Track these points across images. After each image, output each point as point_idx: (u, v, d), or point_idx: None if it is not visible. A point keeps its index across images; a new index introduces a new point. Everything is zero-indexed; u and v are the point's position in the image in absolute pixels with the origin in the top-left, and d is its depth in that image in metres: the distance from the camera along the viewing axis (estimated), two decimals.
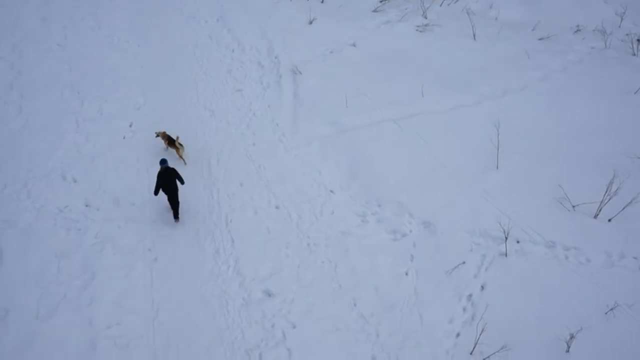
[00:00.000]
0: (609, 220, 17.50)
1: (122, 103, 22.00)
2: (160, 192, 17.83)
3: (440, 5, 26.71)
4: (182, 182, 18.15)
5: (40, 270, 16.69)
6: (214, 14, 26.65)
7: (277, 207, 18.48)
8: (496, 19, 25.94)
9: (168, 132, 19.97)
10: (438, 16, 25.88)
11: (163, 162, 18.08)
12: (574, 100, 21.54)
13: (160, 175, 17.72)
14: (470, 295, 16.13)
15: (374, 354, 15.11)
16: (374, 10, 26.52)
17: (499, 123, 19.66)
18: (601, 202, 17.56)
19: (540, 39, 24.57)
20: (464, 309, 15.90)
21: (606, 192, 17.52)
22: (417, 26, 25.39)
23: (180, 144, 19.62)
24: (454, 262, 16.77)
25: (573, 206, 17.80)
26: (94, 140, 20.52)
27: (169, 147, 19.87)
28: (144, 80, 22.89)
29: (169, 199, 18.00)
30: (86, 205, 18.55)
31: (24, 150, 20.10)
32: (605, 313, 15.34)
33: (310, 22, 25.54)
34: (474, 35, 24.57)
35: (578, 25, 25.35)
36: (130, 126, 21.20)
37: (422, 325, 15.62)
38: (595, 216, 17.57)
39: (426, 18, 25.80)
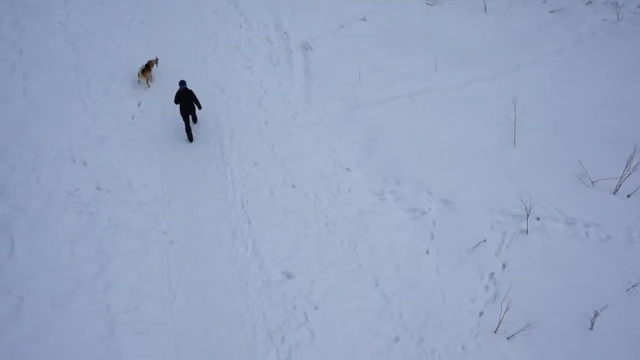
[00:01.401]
0: (628, 196, 17.18)
1: (129, 81, 21.50)
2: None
3: None
4: (200, 107, 19.18)
5: (54, 256, 16.35)
6: None
7: (293, 187, 18.16)
8: None
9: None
10: None
11: (182, 83, 19.07)
12: (588, 74, 21.06)
13: (179, 96, 18.77)
14: (492, 274, 15.88)
15: (397, 333, 14.89)
16: None
17: (515, 99, 19.21)
18: (620, 177, 17.24)
19: (551, 12, 24.03)
20: (486, 288, 15.67)
21: (626, 167, 17.18)
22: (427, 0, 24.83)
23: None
24: (474, 240, 16.47)
25: (592, 182, 17.47)
26: (102, 121, 20.08)
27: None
28: (151, 58, 22.14)
29: (185, 119, 19.02)
30: (97, 188, 18.18)
31: (31, 133, 19.67)
32: (627, 290, 15.09)
33: None
34: (485, 8, 24.05)
35: None
36: (139, 105, 20.78)
37: (445, 304, 15.38)
38: (615, 192, 17.24)
39: None
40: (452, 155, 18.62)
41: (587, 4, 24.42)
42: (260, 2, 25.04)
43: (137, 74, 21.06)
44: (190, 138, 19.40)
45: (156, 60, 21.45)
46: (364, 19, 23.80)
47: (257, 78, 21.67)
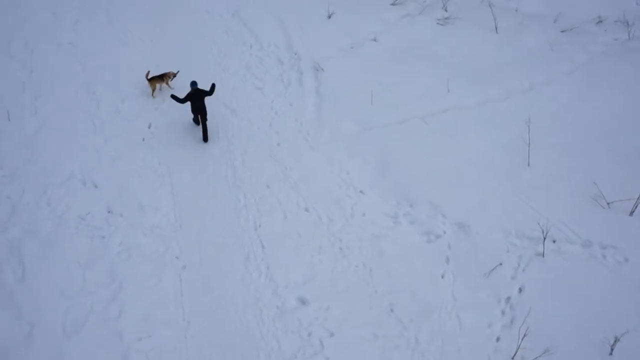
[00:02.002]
0: None
1: (139, 103, 21.43)
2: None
3: None
4: (212, 92, 19.59)
5: (65, 281, 16.12)
6: (229, 8, 25.99)
7: (306, 210, 17.98)
8: (516, 10, 25.29)
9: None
10: (458, 9, 25.31)
11: (193, 84, 19.52)
12: (602, 93, 20.93)
13: (190, 98, 19.25)
14: (509, 298, 15.62)
15: None
16: (393, 3, 25.96)
17: (529, 119, 19.14)
18: (638, 198, 17.05)
19: (562, 31, 23.97)
20: (503, 312, 15.41)
21: None
22: (438, 19, 24.85)
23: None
24: (490, 263, 16.26)
25: (608, 203, 17.28)
26: (113, 142, 19.96)
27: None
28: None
29: (201, 120, 19.71)
30: (108, 212, 17.97)
31: (41, 154, 19.53)
32: None
33: (329, 17, 24.99)
34: (496, 28, 23.98)
35: (600, 16, 24.71)
36: (149, 127, 20.65)
37: (462, 329, 15.13)
38: (631, 213, 17.04)
39: (446, 11, 25.21)
40: (465, 176, 18.45)
41: (597, 23, 24.41)
42: (271, 22, 25.02)
43: (144, 75, 21.38)
44: (205, 138, 19.97)
45: (174, 74, 21.60)
46: (375, 40, 23.75)
47: (268, 99, 21.57)
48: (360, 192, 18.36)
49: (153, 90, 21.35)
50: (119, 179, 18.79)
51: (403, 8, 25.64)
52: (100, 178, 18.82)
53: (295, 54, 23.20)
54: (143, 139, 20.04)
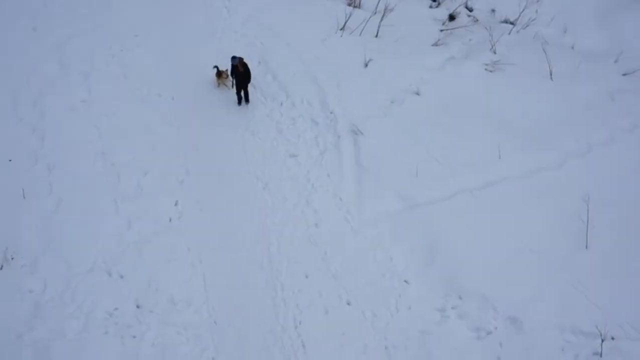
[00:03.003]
0: None
1: (163, 175, 23.50)
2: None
3: (509, 34, 28.32)
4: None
5: None
6: (255, 54, 28.18)
7: (348, 304, 20.23)
8: (572, 48, 27.48)
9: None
10: (508, 49, 27.50)
11: (233, 58, 25.13)
12: None
13: (234, 69, 25.33)
14: None
15: None
16: (435, 44, 28.19)
17: (587, 196, 21.38)
18: None
19: (624, 75, 26.10)
20: None
21: None
22: (486, 64, 27.03)
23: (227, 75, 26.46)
24: None
25: None
26: (137, 225, 22.00)
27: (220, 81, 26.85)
28: (184, 145, 24.53)
29: (243, 89, 25.84)
30: (137, 307, 20.06)
31: (61, 239, 21.49)
32: None
33: (366, 65, 27.19)
34: (551, 74, 26.17)
35: None
36: (176, 205, 22.73)
37: None
38: None
39: (495, 53, 27.35)
40: (518, 262, 20.72)
41: None
42: (302, 71, 27.29)
43: (217, 73, 26.78)
44: (240, 101, 26.38)
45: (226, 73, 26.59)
46: (417, 93, 25.97)
47: (304, 169, 23.81)
48: (405, 281, 20.70)
49: (221, 83, 27.01)
50: (146, 269, 20.97)
51: (446, 49, 28.05)
52: (126, 267, 21.00)
53: (331, 112, 25.48)
54: (170, 220, 22.31)
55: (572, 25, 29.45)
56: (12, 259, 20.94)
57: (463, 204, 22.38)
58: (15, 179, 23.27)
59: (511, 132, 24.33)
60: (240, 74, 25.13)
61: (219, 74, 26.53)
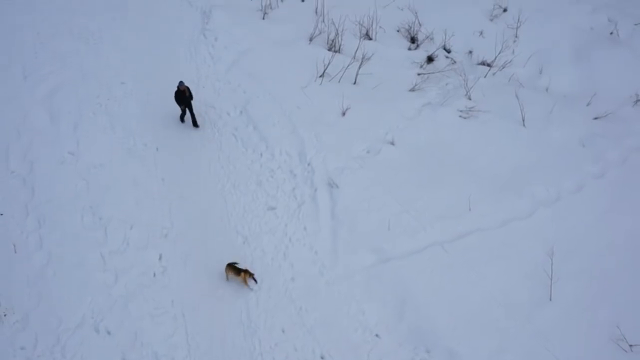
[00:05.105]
0: None
1: (148, 229, 24.93)
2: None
3: (485, 77, 29.67)
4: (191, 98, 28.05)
5: None
6: (237, 103, 29.73)
7: (322, 358, 21.66)
8: (547, 90, 28.85)
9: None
10: (483, 93, 28.84)
11: (181, 83, 27.26)
12: (633, 204, 24.68)
13: (180, 93, 27.56)
14: None
15: None
16: (412, 89, 29.53)
17: (552, 250, 22.74)
18: None
19: (595, 118, 27.46)
20: None
21: None
22: (461, 111, 28.37)
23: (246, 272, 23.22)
24: None
25: (630, 346, 20.83)
26: (124, 279, 23.44)
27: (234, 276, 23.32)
28: (169, 197, 26.00)
29: (188, 109, 28.27)
30: None
31: (50, 293, 22.97)
32: None
33: (344, 113, 28.54)
34: (523, 120, 27.53)
35: (637, 94, 28.39)
36: (160, 259, 24.18)
37: None
38: None
39: (470, 99, 28.71)
40: (485, 316, 22.09)
41: (635, 103, 27.90)
42: (282, 120, 28.75)
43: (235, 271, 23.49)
44: (183, 118, 29.16)
45: (252, 275, 23.45)
46: (392, 143, 27.32)
47: (282, 222, 25.23)
48: (377, 335, 22.09)
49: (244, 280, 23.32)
50: (132, 324, 22.39)
51: (423, 95, 29.47)
52: (113, 323, 22.42)
53: (309, 164, 26.85)
54: (154, 274, 23.81)
55: (547, 66, 30.82)
56: (5, 315, 22.37)
57: (433, 257, 23.71)
58: (6, 233, 24.84)
59: (483, 180, 25.69)
60: (185, 97, 27.79)
61: (237, 271, 23.50)
